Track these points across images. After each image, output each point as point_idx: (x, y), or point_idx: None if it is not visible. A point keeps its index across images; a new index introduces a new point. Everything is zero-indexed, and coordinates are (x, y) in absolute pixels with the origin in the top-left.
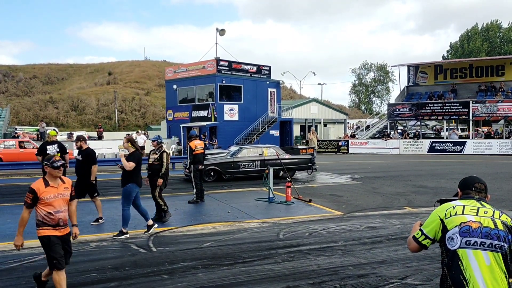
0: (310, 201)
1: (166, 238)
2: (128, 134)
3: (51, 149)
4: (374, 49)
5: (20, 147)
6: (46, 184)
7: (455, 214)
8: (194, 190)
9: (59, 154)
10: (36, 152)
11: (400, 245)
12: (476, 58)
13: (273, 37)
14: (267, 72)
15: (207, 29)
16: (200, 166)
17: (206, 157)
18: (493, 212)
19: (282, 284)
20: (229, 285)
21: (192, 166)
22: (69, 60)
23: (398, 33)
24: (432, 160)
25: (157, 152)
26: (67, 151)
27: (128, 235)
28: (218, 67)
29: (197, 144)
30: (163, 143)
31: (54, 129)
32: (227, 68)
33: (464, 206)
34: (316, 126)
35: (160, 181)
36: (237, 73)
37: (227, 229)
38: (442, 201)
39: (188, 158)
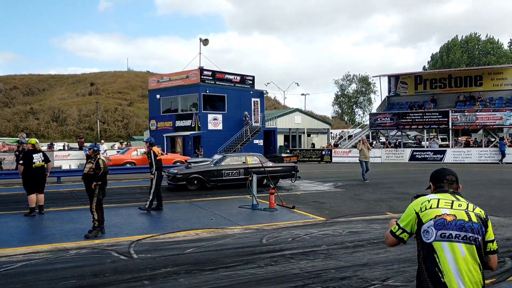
0: (293, 207)
1: (147, 245)
2: None
3: (37, 158)
4: (357, 61)
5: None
6: None
7: (430, 208)
8: (150, 198)
9: (43, 163)
10: (21, 162)
11: (381, 248)
12: (455, 68)
13: (258, 48)
14: (250, 82)
15: (192, 41)
16: (162, 172)
17: (189, 165)
18: (467, 205)
19: None
20: None
21: (156, 172)
22: (53, 71)
23: (381, 46)
24: (413, 168)
25: (92, 161)
26: (49, 160)
27: None
28: (202, 76)
29: (159, 150)
30: (100, 151)
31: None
32: (211, 78)
33: (439, 199)
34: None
35: (94, 184)
36: (220, 83)
37: (210, 235)
38: (418, 197)
39: (154, 164)
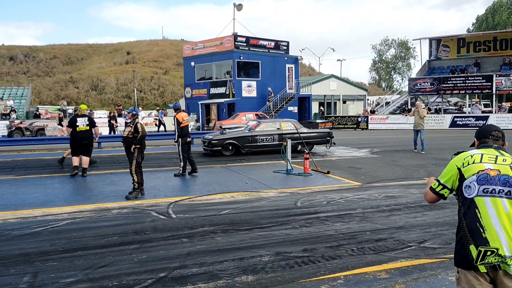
0: (328, 172)
1: (185, 206)
2: None
3: (81, 122)
4: (397, 26)
5: (257, 117)
6: None
7: (473, 163)
8: (181, 164)
9: (88, 128)
10: (67, 124)
11: (419, 212)
12: (500, 30)
13: (295, 15)
14: (285, 48)
15: (226, 7)
16: (187, 139)
17: (224, 131)
18: None
19: (299, 247)
20: (247, 248)
21: (180, 139)
22: (90, 41)
23: (423, 8)
24: (453, 135)
25: (131, 125)
26: (96, 125)
27: None
28: (236, 43)
29: (184, 116)
30: (138, 115)
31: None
32: (245, 44)
33: (482, 154)
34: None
35: (133, 147)
36: (254, 49)
37: (245, 198)
38: (459, 153)
39: (176, 131)
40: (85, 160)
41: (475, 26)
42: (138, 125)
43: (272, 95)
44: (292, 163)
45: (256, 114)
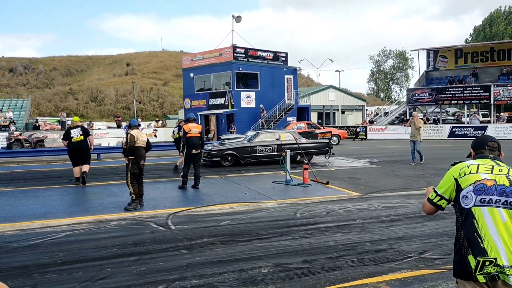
0: (327, 183)
1: (184, 217)
2: None
3: (75, 133)
4: (395, 36)
5: (309, 126)
6: None
7: (470, 173)
8: (181, 173)
9: (82, 137)
10: (62, 137)
11: (419, 223)
12: (497, 41)
13: (293, 26)
14: (283, 58)
15: (226, 19)
16: (193, 151)
17: (223, 142)
18: (508, 170)
19: (299, 258)
20: (246, 259)
21: (185, 150)
22: (90, 52)
23: (420, 19)
24: (452, 145)
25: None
26: (90, 134)
27: None
28: (235, 54)
29: (192, 127)
30: (135, 126)
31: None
32: (244, 55)
33: (478, 164)
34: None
35: (126, 159)
36: (253, 60)
37: (245, 209)
38: (456, 164)
39: (182, 141)
40: (85, 167)
41: (473, 36)
42: (128, 135)
43: (264, 112)
44: (292, 174)
45: (308, 123)
